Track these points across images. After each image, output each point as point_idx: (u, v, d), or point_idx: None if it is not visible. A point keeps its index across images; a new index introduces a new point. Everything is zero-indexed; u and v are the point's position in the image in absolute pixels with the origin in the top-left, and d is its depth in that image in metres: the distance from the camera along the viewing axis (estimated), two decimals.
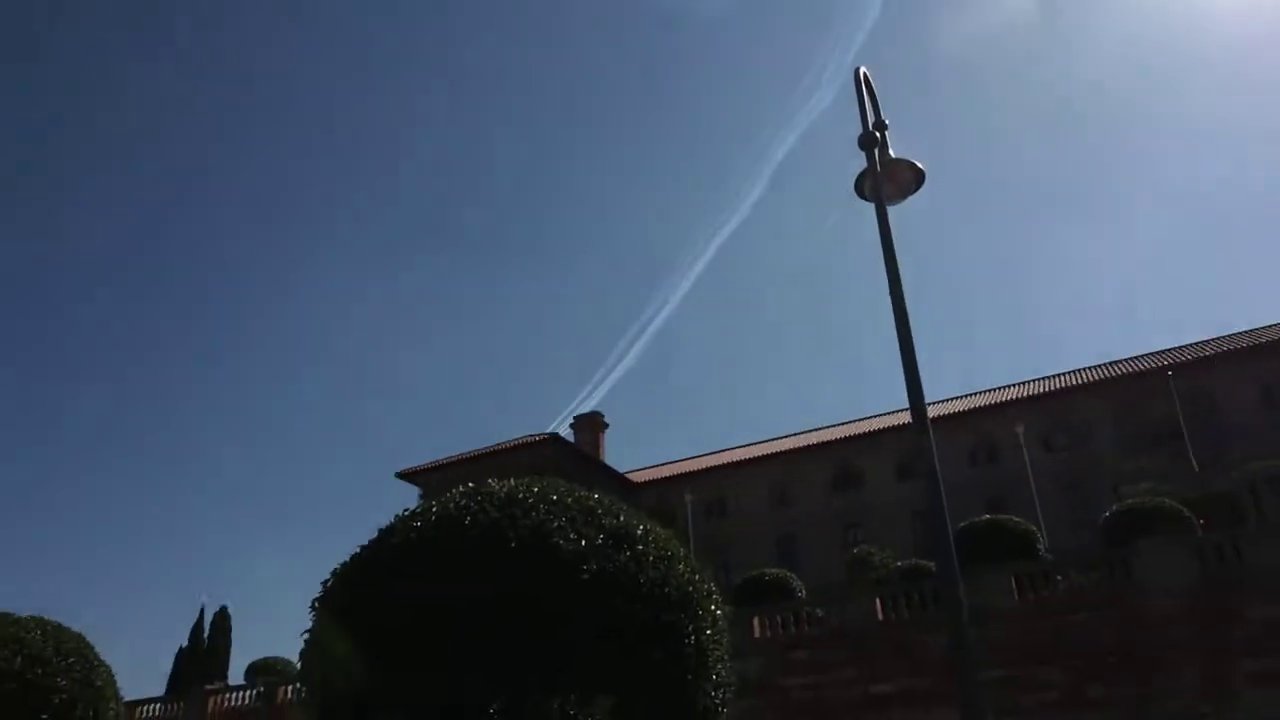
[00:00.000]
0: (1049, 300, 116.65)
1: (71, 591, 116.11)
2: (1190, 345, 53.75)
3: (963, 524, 30.94)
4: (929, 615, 27.06)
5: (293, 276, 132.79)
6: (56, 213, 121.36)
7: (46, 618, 16.49)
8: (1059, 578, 26.79)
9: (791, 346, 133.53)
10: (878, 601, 28.43)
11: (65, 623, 16.80)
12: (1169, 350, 53.67)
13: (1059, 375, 55.85)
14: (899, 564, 35.64)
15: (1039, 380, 56.07)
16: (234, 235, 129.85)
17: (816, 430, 61.14)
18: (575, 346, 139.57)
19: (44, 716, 15.04)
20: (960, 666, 7.96)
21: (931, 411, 9.35)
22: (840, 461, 54.17)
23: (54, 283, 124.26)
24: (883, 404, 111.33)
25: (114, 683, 16.65)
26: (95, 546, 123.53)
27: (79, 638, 16.51)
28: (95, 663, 16.32)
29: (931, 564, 33.42)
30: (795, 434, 62.20)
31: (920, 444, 8.90)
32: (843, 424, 60.85)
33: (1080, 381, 51.78)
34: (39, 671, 15.26)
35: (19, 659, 15.19)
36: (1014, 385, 56.89)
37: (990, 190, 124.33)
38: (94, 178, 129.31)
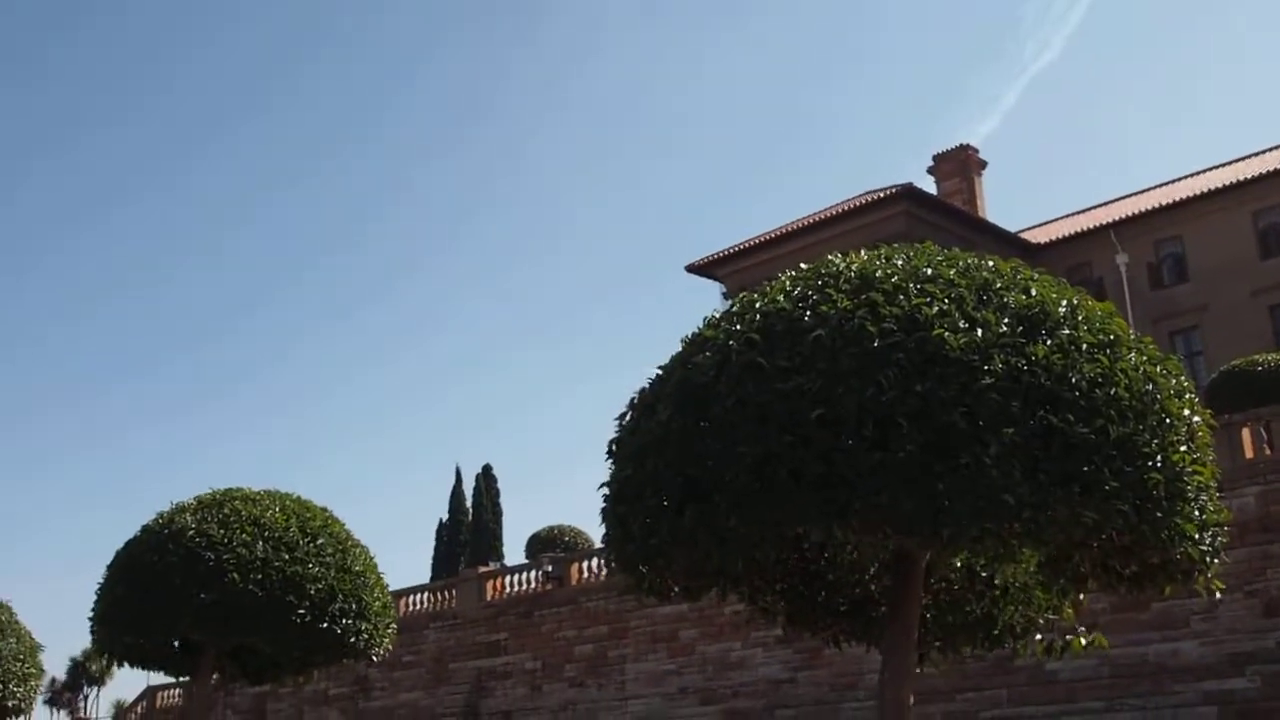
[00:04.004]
0: None
1: (310, 464, 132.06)
2: None
3: None
4: None
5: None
6: None
7: (284, 492, 18.51)
8: None
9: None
10: None
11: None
12: None
13: None
14: None
15: None
16: None
17: None
18: (923, 61, 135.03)
19: (300, 610, 16.93)
20: None
21: None
22: None
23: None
24: None
25: (375, 567, 18.66)
26: (329, 411, 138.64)
27: (325, 514, 18.46)
28: (349, 543, 18.30)
29: None
30: None
31: None
32: None
33: None
34: (286, 557, 17.08)
35: (261, 544, 17.00)
36: None
37: None
38: None
